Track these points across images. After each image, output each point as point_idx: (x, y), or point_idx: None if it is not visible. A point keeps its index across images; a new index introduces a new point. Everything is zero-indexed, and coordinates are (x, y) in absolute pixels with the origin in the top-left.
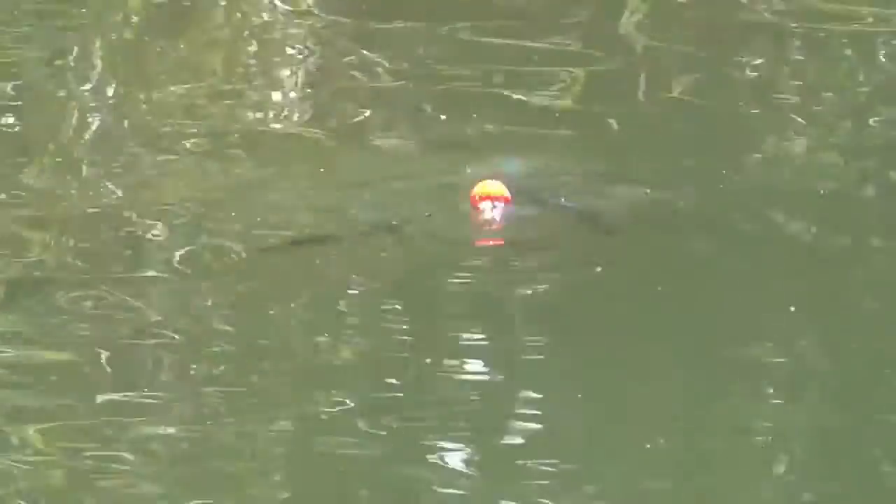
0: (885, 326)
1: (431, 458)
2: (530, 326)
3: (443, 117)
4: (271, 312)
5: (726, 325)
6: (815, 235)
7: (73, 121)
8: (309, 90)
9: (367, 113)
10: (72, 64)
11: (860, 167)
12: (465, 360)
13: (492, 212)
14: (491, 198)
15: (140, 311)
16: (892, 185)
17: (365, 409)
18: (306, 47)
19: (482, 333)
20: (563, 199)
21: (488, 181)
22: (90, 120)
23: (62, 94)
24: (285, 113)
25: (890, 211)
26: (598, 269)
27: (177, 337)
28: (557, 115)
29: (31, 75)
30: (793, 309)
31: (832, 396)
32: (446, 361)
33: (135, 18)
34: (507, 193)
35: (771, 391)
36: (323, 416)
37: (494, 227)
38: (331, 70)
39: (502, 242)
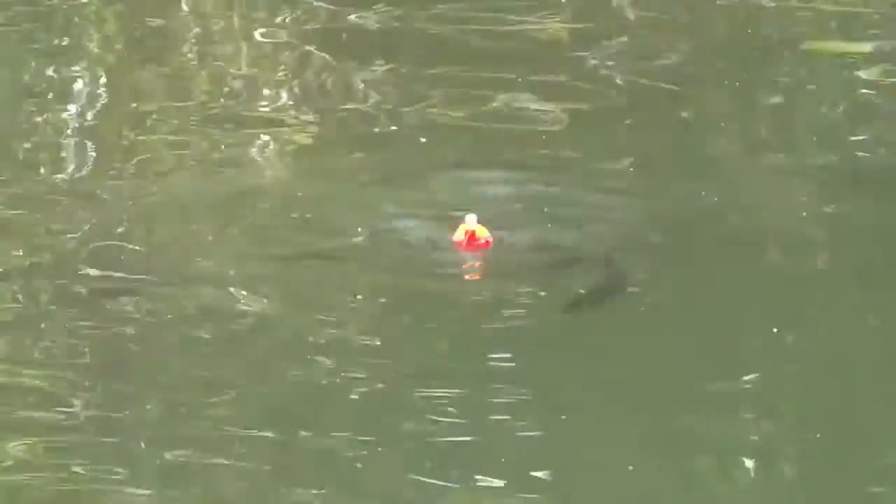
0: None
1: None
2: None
3: (423, 140)
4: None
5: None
6: (795, 251)
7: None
8: (291, 81)
9: (350, 109)
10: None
11: (842, 182)
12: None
13: (475, 253)
14: (474, 241)
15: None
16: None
17: None
18: (287, 36)
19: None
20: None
21: (471, 224)
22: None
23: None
24: (269, 106)
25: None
26: (581, 290)
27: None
28: (541, 120)
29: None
30: (776, 330)
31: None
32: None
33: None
34: (489, 236)
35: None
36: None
37: (478, 266)
38: (312, 61)
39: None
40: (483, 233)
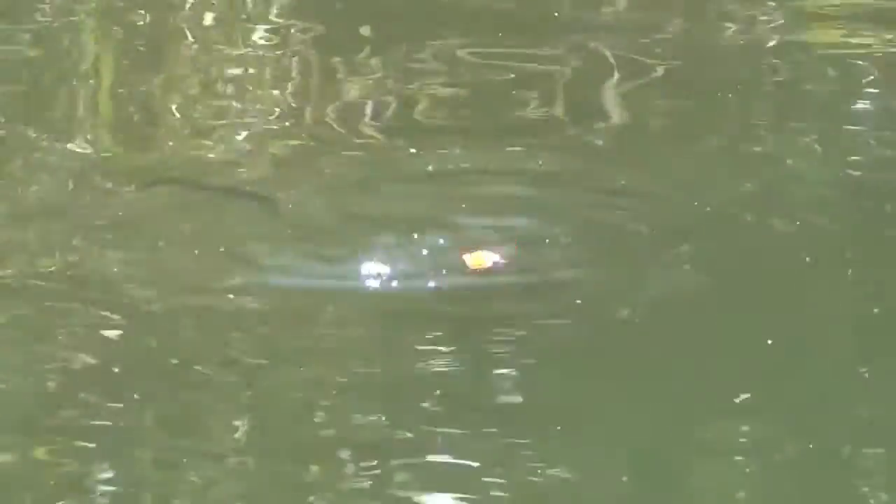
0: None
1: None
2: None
3: (412, 150)
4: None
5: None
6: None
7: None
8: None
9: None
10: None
11: (840, 190)
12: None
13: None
14: (484, 268)
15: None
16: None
17: None
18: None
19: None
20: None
21: (483, 254)
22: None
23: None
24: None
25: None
26: (578, 301)
27: None
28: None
29: None
30: (770, 342)
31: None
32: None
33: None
34: (498, 259)
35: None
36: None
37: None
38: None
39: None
40: (494, 258)
